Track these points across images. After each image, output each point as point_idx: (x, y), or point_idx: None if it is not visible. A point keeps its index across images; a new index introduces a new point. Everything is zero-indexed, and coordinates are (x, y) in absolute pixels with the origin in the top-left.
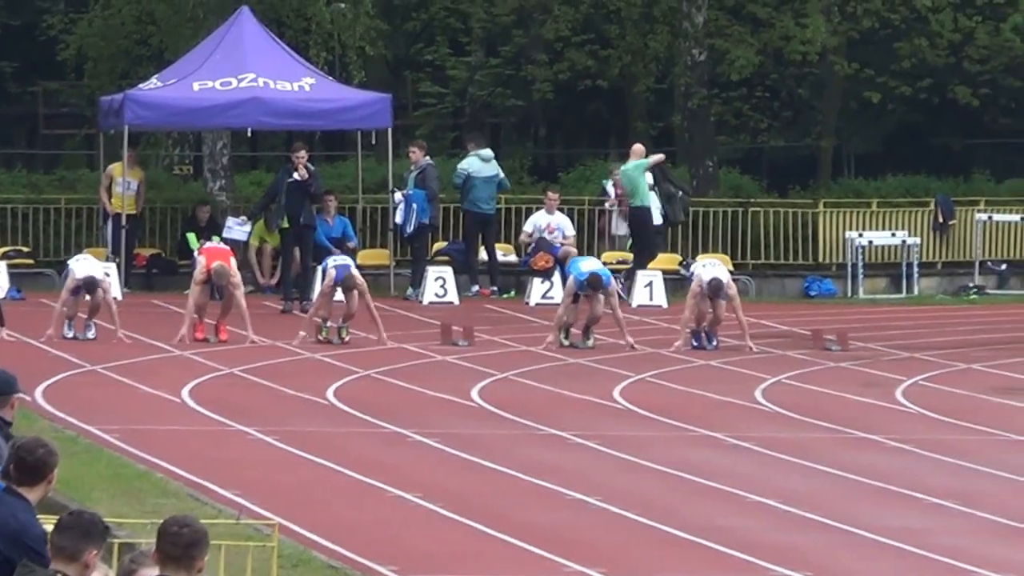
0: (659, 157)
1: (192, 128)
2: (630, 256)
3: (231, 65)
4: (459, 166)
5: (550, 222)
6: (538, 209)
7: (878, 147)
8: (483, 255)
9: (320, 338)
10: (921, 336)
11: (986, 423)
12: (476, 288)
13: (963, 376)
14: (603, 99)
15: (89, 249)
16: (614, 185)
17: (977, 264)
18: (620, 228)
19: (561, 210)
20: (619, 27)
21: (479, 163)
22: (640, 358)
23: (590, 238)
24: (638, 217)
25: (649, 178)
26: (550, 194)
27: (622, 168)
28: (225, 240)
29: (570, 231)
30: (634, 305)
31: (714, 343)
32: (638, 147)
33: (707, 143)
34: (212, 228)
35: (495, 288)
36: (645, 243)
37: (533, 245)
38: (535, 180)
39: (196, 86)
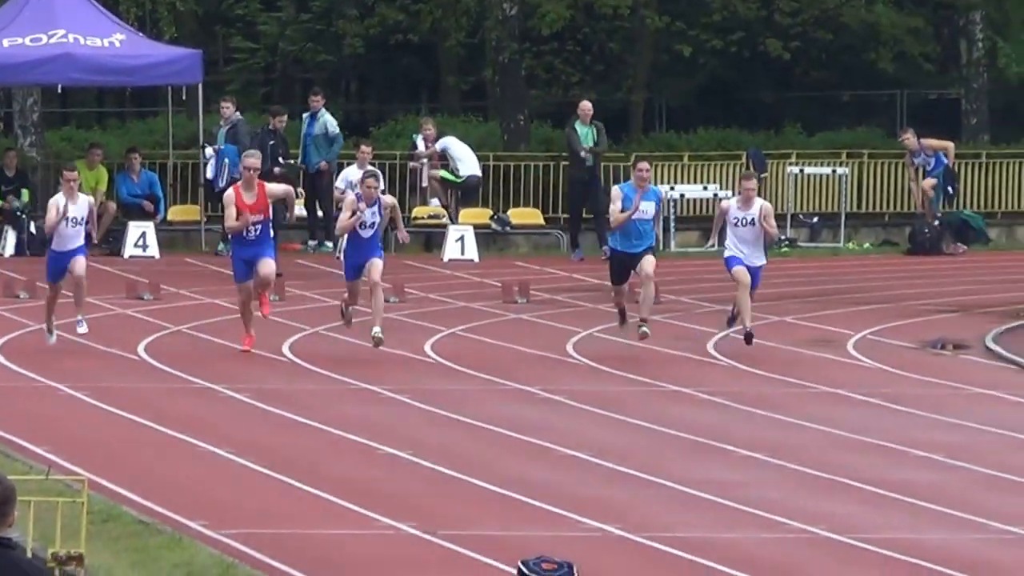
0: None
1: (2, 84)
2: (441, 211)
3: (41, 21)
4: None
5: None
6: (349, 164)
7: (690, 101)
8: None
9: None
10: (732, 289)
11: (798, 375)
12: (314, 243)
13: (775, 328)
14: (415, 54)
15: None
16: (424, 139)
17: (789, 217)
18: (427, 181)
19: (373, 164)
20: None
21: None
22: (452, 312)
23: (401, 192)
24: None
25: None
26: (363, 148)
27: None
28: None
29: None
30: (446, 259)
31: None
32: (585, 104)
33: (518, 97)
34: (22, 180)
35: (320, 242)
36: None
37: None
38: (347, 135)
39: (6, 42)
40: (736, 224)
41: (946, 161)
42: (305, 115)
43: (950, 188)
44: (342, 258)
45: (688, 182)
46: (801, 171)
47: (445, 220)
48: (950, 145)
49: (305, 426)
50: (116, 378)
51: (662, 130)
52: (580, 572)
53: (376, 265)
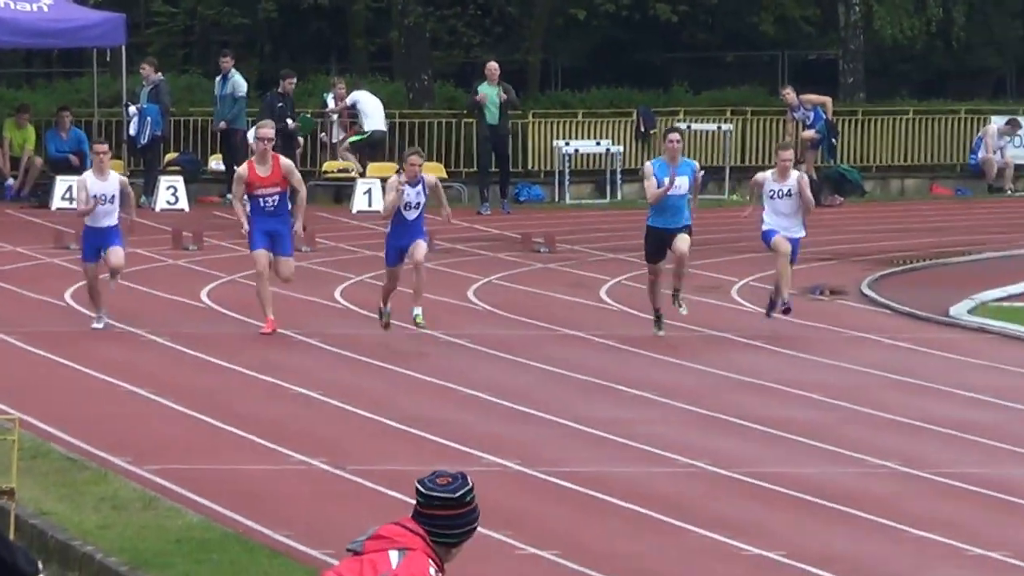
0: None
1: None
2: (350, 165)
3: None
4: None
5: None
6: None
7: (584, 61)
8: None
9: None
10: (624, 239)
11: (685, 320)
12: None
13: (663, 276)
14: (325, 18)
15: None
16: (334, 97)
17: None
18: (338, 136)
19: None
20: None
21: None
22: (361, 261)
23: (313, 148)
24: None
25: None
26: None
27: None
28: None
29: None
30: (354, 211)
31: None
32: (492, 65)
33: (423, 58)
34: None
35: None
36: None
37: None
38: (260, 94)
39: None
40: (772, 196)
41: (825, 116)
42: (217, 78)
43: (833, 140)
44: (385, 242)
45: (582, 138)
46: (688, 127)
47: (354, 174)
48: (828, 100)
49: (222, 368)
50: (44, 323)
51: (557, 89)
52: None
53: (420, 246)
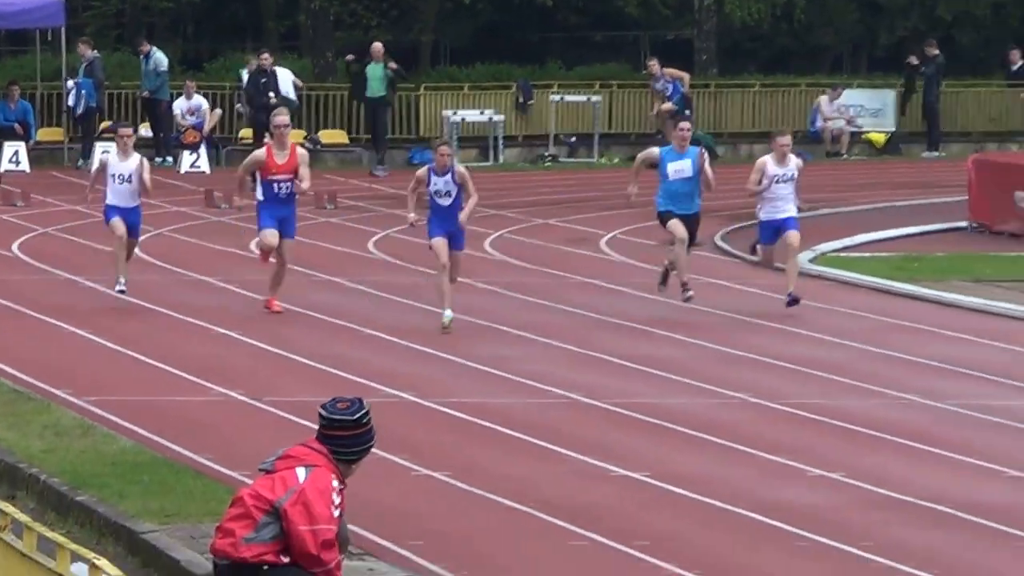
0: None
1: None
2: (249, 133)
3: None
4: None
5: (189, 105)
6: (179, 95)
7: (469, 41)
8: None
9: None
10: (505, 197)
11: (559, 268)
12: (159, 159)
13: (540, 230)
14: (241, 2)
15: None
16: (248, 72)
17: (551, 137)
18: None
19: (205, 95)
20: None
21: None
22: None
23: (230, 119)
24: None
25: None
26: (189, 83)
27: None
28: None
29: (206, 108)
30: None
31: None
32: (376, 46)
33: (327, 38)
34: None
35: (164, 159)
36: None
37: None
38: (185, 69)
39: None
40: (776, 181)
41: (683, 89)
42: (141, 57)
43: (687, 111)
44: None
45: (468, 108)
46: (561, 99)
47: (267, 140)
48: (686, 75)
49: (152, 311)
50: None
51: (446, 65)
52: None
53: (457, 260)
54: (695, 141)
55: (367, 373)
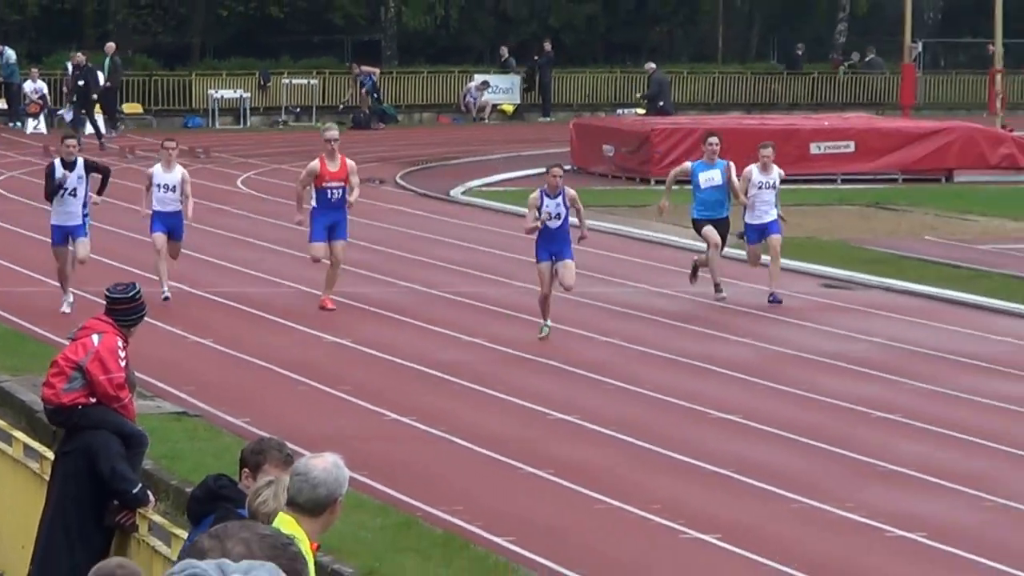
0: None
1: None
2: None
3: None
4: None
5: (34, 86)
6: (26, 79)
7: (227, 42)
8: None
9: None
10: (252, 150)
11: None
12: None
13: (278, 172)
14: (68, 14)
15: None
16: (74, 66)
17: (283, 108)
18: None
19: (44, 79)
20: None
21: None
22: None
23: (59, 96)
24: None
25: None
26: (33, 70)
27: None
28: None
29: (46, 89)
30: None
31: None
32: (109, 45)
33: (127, 40)
34: None
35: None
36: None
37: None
38: (29, 62)
39: None
40: (761, 188)
41: (373, 79)
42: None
43: (376, 95)
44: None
45: (225, 88)
46: (290, 82)
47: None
48: (376, 70)
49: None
50: None
51: (211, 59)
52: (142, 290)
53: (569, 268)
54: (382, 111)
55: (175, 319)
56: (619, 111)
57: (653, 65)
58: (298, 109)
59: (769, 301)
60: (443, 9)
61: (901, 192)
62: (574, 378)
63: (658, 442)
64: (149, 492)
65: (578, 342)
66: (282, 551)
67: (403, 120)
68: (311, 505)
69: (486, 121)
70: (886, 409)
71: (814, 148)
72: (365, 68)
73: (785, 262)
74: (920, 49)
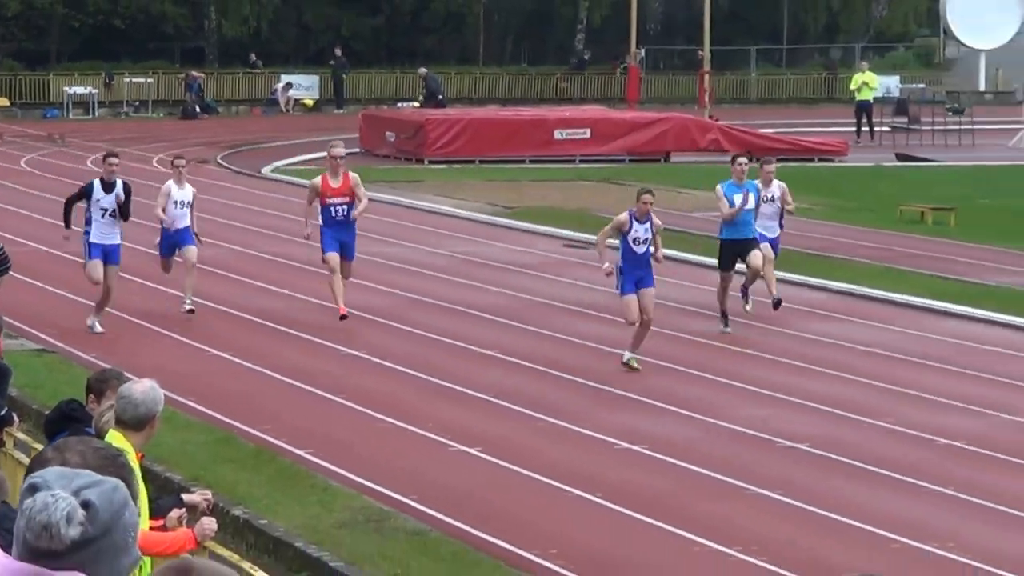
0: None
1: None
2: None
3: None
4: None
5: None
6: None
7: (77, 48)
8: None
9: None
10: (100, 136)
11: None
12: None
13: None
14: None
15: None
16: None
17: (125, 101)
18: None
19: None
20: None
21: None
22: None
23: None
24: None
25: None
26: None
27: None
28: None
29: None
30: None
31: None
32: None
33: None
34: None
35: None
36: None
37: None
38: None
39: None
40: (763, 202)
41: (199, 82)
42: None
43: (200, 92)
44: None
45: (77, 85)
46: (130, 80)
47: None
48: (203, 75)
49: None
50: None
51: (65, 61)
52: None
53: (649, 297)
54: (204, 105)
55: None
56: (399, 104)
57: (424, 69)
58: (137, 103)
59: (774, 307)
60: (255, 21)
61: (628, 170)
62: (366, 322)
63: (433, 373)
64: (14, 414)
65: (363, 292)
66: (111, 461)
67: (223, 112)
68: (134, 422)
69: (290, 112)
70: (611, 344)
71: (558, 134)
72: (193, 74)
73: (530, 226)
74: (643, 54)
